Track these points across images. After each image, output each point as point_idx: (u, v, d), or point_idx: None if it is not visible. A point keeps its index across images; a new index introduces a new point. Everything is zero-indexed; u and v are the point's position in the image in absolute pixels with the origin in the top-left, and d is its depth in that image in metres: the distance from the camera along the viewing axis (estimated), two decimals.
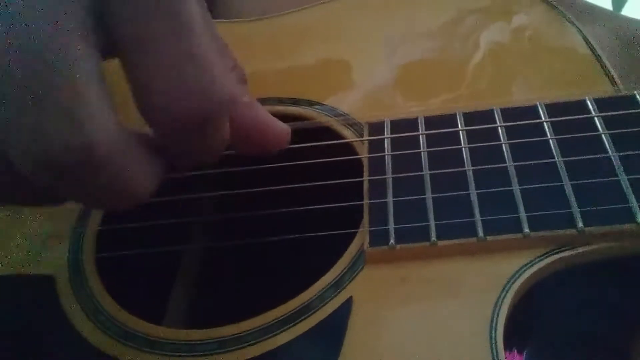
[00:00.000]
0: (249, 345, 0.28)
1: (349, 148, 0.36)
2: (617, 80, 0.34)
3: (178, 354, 0.29)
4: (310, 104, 0.40)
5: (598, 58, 0.36)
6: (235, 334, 0.29)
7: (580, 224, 0.28)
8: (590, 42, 0.37)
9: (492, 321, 0.26)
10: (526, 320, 0.29)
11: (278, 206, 0.35)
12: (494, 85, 0.38)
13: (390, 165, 0.33)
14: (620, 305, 0.30)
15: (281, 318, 0.29)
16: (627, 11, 1.11)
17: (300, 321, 0.29)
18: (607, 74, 0.35)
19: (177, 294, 0.40)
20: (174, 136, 0.23)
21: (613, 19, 0.44)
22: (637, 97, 0.32)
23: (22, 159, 0.20)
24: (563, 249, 0.28)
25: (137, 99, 0.22)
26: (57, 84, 0.19)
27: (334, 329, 0.28)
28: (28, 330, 0.31)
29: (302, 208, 0.34)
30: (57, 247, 0.34)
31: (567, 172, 0.30)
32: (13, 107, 0.20)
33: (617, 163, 0.29)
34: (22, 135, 0.20)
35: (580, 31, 0.38)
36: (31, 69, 0.19)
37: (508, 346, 0.27)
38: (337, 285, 0.29)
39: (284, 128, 0.28)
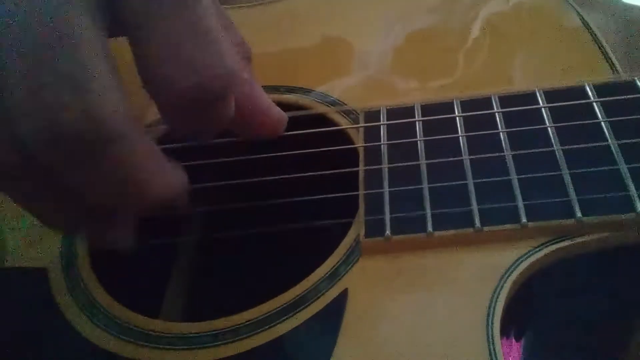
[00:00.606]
0: (244, 337, 0.28)
1: (345, 137, 0.35)
2: (618, 66, 0.34)
3: (173, 347, 0.29)
4: (306, 91, 0.39)
5: (598, 43, 0.36)
6: (231, 327, 0.29)
7: (579, 214, 0.27)
8: (590, 27, 0.36)
9: (488, 312, 0.26)
10: (524, 310, 0.29)
11: (274, 196, 0.34)
12: (492, 70, 0.37)
13: (386, 155, 0.32)
14: (620, 295, 0.30)
15: (276, 310, 0.29)
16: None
17: (296, 313, 0.28)
18: (608, 59, 0.34)
19: (174, 287, 0.40)
20: (178, 111, 0.22)
21: (614, 6, 0.44)
22: (638, 82, 0.32)
23: (30, 132, 0.20)
24: (561, 239, 0.28)
25: (143, 73, 0.21)
26: (64, 53, 0.19)
27: (330, 321, 0.27)
28: (21, 323, 0.31)
29: (297, 199, 0.33)
30: (50, 240, 0.34)
31: (565, 161, 0.29)
32: (20, 76, 0.19)
33: (616, 151, 0.29)
34: (30, 107, 0.19)
35: (581, 16, 0.37)
36: (37, 37, 0.19)
37: (505, 334, 0.26)
38: (333, 276, 0.29)
39: (282, 114, 0.28)
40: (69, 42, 0.19)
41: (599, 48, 0.35)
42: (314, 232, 0.32)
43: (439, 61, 0.39)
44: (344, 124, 0.36)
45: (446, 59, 0.39)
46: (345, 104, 0.37)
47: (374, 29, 0.43)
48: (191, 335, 0.29)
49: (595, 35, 0.36)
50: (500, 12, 0.42)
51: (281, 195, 0.34)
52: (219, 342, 0.28)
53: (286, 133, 0.34)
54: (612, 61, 0.34)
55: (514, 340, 0.32)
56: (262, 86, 0.40)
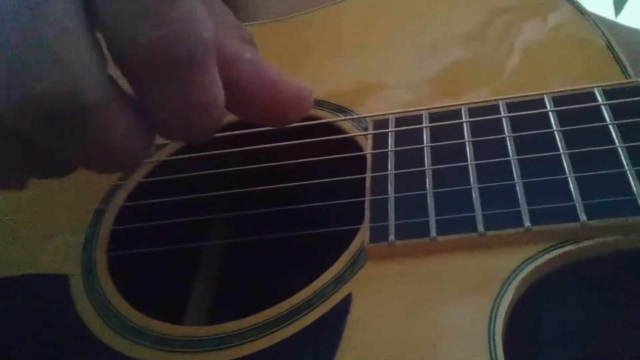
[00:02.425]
0: (249, 341, 0.29)
1: (354, 145, 0.36)
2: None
3: (183, 350, 0.30)
4: (319, 103, 0.40)
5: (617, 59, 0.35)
6: (237, 331, 0.29)
7: (584, 217, 0.27)
8: (611, 45, 0.35)
9: (491, 317, 0.26)
10: (529, 317, 0.29)
11: (283, 203, 0.35)
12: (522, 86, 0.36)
13: (392, 162, 0.33)
14: (630, 303, 0.29)
15: (282, 314, 0.29)
16: (628, 10, 1.09)
17: (300, 317, 0.29)
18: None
19: (197, 292, 0.41)
20: (146, 78, 0.20)
21: (633, 34, 0.43)
22: None
23: (3, 105, 0.19)
24: (566, 243, 0.27)
25: (105, 32, 0.20)
26: (44, 24, 0.19)
27: (333, 325, 0.28)
28: (41, 327, 0.32)
29: (307, 205, 0.34)
30: (72, 247, 0.36)
31: (571, 165, 0.29)
32: None
33: (623, 154, 0.28)
34: (3, 79, 0.19)
35: (604, 35, 0.36)
36: (16, 9, 0.18)
37: (509, 343, 0.26)
38: (338, 281, 0.30)
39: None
40: (49, 11, 0.19)
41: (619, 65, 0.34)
42: (323, 238, 0.32)
43: (469, 83, 0.37)
44: (353, 132, 0.36)
45: (475, 81, 0.37)
46: (357, 114, 0.37)
47: (401, 50, 0.42)
48: (199, 338, 0.30)
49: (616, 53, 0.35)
50: (532, 37, 0.40)
51: (291, 202, 0.34)
52: (225, 346, 0.29)
53: (297, 141, 0.35)
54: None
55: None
56: None
